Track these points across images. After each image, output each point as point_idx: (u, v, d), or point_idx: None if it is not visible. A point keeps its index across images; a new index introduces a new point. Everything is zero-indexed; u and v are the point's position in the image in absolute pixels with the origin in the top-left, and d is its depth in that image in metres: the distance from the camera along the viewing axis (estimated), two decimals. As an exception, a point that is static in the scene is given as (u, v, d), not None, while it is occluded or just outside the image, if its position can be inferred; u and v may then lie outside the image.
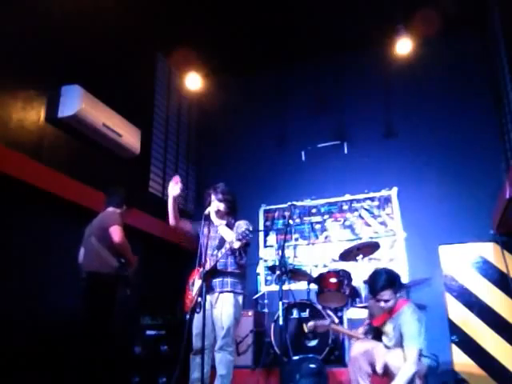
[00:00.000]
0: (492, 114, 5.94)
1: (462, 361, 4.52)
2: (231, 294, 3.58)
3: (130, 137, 5.31)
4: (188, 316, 3.58)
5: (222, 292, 3.59)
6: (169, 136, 6.75)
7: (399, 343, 3.35)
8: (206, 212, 3.59)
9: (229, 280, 3.61)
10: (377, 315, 3.58)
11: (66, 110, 4.55)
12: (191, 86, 6.59)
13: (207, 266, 3.53)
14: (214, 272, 3.58)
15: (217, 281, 3.60)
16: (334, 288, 4.82)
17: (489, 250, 4.78)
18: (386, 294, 3.34)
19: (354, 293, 4.90)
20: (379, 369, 3.36)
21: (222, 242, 3.66)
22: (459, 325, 4.64)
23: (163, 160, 6.55)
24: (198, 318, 3.49)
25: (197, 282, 3.64)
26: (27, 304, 4.01)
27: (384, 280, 3.34)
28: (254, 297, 5.67)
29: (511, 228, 4.78)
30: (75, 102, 4.55)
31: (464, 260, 4.82)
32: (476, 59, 6.19)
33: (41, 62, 4.50)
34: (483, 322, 4.57)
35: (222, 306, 3.54)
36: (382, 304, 3.39)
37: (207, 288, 3.48)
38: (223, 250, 3.52)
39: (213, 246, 3.67)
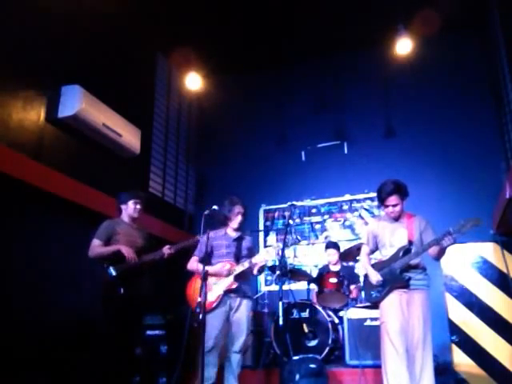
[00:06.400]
0: (492, 114, 5.95)
1: (462, 361, 4.52)
2: (250, 300, 3.90)
3: (130, 137, 5.31)
4: (201, 316, 3.64)
5: (244, 297, 3.84)
6: (169, 136, 6.75)
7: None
8: (236, 226, 3.92)
9: (247, 286, 3.91)
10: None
11: (66, 110, 4.55)
12: (191, 85, 6.59)
13: (234, 270, 3.76)
14: (237, 277, 3.80)
15: (239, 286, 3.80)
16: (334, 288, 4.82)
17: (489, 250, 4.78)
18: (394, 200, 3.48)
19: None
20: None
21: (240, 249, 3.93)
22: (459, 325, 4.65)
23: (163, 160, 6.55)
24: (215, 318, 3.66)
25: (220, 282, 3.78)
26: (27, 304, 4.01)
27: (391, 186, 3.48)
28: (254, 297, 5.67)
29: (511, 228, 4.78)
30: (75, 102, 4.55)
31: (464, 260, 4.82)
32: (476, 59, 6.20)
33: (41, 62, 4.50)
34: (483, 322, 4.58)
35: (245, 311, 3.80)
36: (391, 209, 3.53)
37: (230, 291, 3.76)
38: (246, 264, 3.78)
39: (230, 251, 3.90)
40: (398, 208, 3.53)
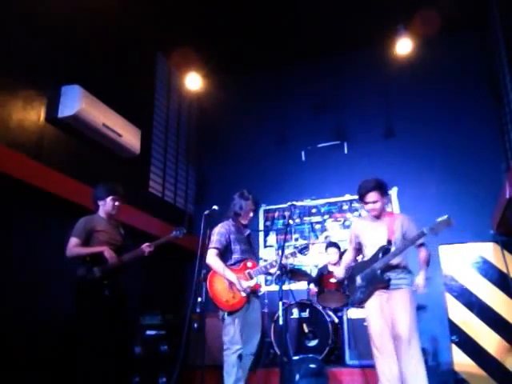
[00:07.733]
0: (492, 114, 5.94)
1: (462, 361, 4.52)
2: (259, 300, 3.94)
3: (130, 137, 5.31)
4: (225, 316, 3.63)
5: (257, 297, 3.86)
6: (169, 136, 6.75)
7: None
8: (246, 222, 3.89)
9: None
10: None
11: (66, 109, 4.55)
12: (191, 86, 6.58)
13: (255, 271, 3.75)
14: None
15: None
16: (334, 288, 4.82)
17: (489, 250, 4.78)
18: (374, 196, 3.45)
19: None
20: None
21: (251, 247, 3.94)
22: (459, 325, 4.64)
23: (163, 160, 6.55)
24: (240, 319, 3.60)
25: (245, 283, 3.70)
26: (27, 303, 4.01)
27: (371, 183, 3.46)
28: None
29: (511, 228, 4.78)
30: (75, 101, 4.55)
31: (464, 260, 4.82)
32: (476, 59, 6.20)
33: (41, 62, 4.50)
34: (483, 322, 4.58)
35: (259, 311, 3.82)
36: (371, 206, 3.49)
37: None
38: (269, 267, 3.80)
39: (246, 248, 3.87)
40: (377, 205, 3.48)
